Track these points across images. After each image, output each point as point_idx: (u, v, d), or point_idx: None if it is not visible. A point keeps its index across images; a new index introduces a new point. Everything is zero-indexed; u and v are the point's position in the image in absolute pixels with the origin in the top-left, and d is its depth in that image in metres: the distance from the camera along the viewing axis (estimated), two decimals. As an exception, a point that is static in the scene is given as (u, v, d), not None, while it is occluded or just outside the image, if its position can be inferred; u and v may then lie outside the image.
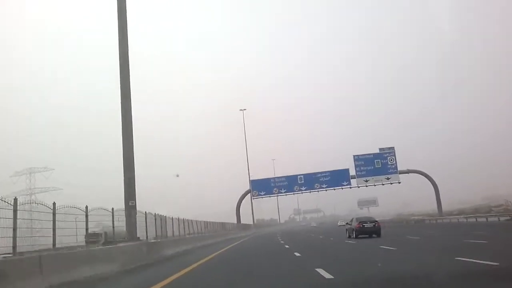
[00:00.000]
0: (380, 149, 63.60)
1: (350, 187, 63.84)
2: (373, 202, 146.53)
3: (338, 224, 78.38)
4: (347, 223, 30.30)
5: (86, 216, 15.18)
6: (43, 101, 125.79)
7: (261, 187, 64.40)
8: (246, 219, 77.83)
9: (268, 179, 65.20)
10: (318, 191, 63.96)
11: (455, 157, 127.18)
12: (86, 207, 15.17)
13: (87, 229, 15.49)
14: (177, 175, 55.39)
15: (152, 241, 19.53)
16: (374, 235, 25.10)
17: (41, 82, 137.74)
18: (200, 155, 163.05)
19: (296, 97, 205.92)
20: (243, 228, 69.62)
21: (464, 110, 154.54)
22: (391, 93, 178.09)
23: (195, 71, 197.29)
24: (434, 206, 66.87)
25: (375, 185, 63.44)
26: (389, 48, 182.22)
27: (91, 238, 16.69)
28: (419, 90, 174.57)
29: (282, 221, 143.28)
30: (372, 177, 62.70)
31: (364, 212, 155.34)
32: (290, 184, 63.84)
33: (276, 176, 65.70)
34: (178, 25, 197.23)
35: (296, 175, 64.26)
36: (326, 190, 64.07)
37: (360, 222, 26.31)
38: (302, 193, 64.28)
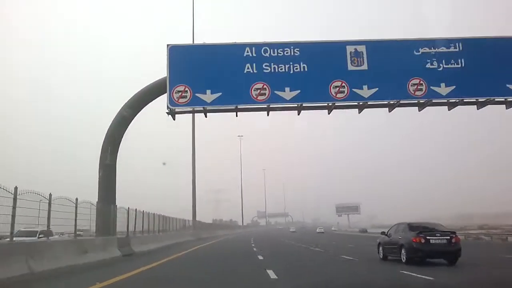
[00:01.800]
0: None
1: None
2: (354, 208, 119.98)
3: (317, 230, 76.76)
4: (382, 233, 15.46)
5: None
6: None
7: (205, 74, 16.67)
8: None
9: (232, 47, 17.30)
10: (418, 100, 16.99)
11: None
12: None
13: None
14: (164, 163, 41.61)
15: None
16: (442, 260, 12.76)
17: None
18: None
19: None
20: (142, 230, 21.64)
21: None
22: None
23: None
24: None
25: None
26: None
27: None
28: None
29: (244, 223, 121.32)
30: None
31: (344, 221, 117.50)
32: (313, 68, 16.78)
33: (255, 42, 17.25)
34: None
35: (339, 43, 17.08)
36: (451, 106, 17.21)
37: (420, 233, 12.60)
38: (370, 104, 16.49)
